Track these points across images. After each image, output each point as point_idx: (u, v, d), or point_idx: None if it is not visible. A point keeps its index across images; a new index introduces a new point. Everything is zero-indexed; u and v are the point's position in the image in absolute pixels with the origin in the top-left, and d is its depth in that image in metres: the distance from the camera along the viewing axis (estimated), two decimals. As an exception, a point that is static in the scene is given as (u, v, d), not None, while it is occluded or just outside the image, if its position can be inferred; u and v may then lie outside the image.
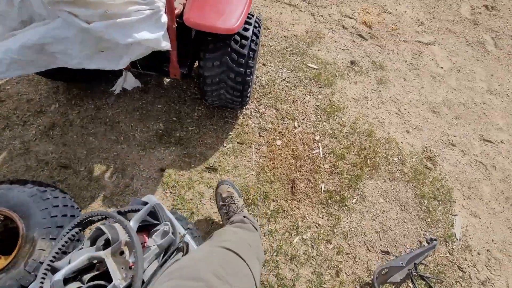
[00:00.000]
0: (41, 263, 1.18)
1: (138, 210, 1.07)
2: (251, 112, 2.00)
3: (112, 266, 0.90)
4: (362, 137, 2.00)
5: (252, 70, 1.58)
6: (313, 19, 2.70)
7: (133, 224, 1.00)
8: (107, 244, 1.02)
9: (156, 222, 1.07)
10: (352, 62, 2.43)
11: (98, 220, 1.03)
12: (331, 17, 2.74)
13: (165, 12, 1.27)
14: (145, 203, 1.11)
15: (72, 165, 1.67)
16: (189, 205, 1.62)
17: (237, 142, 1.86)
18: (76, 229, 1.00)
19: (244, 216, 1.29)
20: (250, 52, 1.50)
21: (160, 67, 1.56)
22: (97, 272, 0.95)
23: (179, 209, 1.61)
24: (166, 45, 1.30)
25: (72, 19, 1.09)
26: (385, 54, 2.57)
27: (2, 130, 1.74)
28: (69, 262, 0.94)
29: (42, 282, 0.88)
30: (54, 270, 0.93)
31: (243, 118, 1.97)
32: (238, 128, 1.92)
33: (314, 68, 2.31)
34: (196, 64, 1.69)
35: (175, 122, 1.89)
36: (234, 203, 1.44)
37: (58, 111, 1.84)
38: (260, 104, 2.04)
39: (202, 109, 1.96)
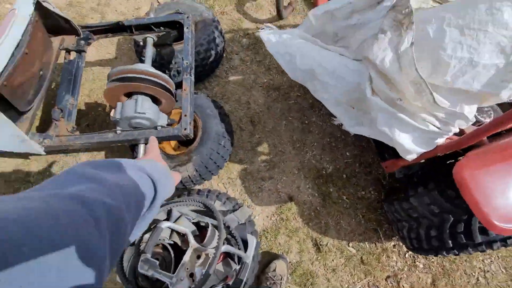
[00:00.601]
0: (182, 176, 1.50)
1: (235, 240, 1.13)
2: (405, 253, 1.58)
3: (186, 259, 1.02)
4: None
5: (459, 253, 1.15)
6: None
7: (223, 249, 1.07)
8: (201, 228, 1.16)
9: (234, 263, 1.12)
10: None
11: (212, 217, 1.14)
12: None
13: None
14: (246, 241, 1.15)
15: (256, 127, 1.89)
16: (273, 245, 1.61)
17: (361, 257, 1.57)
18: (201, 205, 1.16)
19: None
20: (480, 247, 1.07)
21: (382, 149, 1.36)
22: (179, 243, 1.11)
23: (266, 237, 1.63)
24: (410, 157, 1.07)
25: (366, 80, 1.02)
26: None
27: (255, 63, 2.09)
28: (177, 218, 1.14)
29: (158, 213, 1.12)
30: (169, 212, 1.15)
31: (393, 247, 1.59)
32: (376, 245, 1.59)
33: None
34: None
35: (341, 179, 1.74)
36: (280, 286, 1.41)
37: (292, 80, 2.01)
38: (421, 261, 1.56)
39: (372, 196, 1.69)
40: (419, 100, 0.90)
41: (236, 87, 2.01)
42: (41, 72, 1.31)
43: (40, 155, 1.36)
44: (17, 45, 1.07)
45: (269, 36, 1.34)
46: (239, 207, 1.40)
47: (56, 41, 1.50)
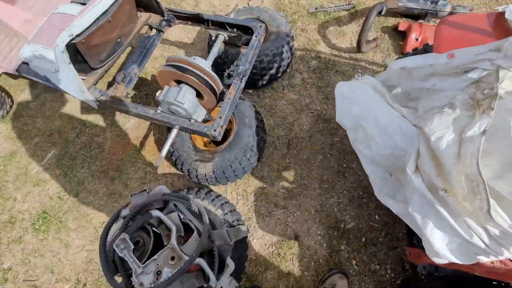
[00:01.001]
0: (198, 172, 1.52)
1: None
2: None
3: (160, 255, 1.02)
4: None
5: None
6: None
7: (196, 261, 1.04)
8: (190, 230, 1.14)
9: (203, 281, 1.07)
10: None
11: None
12: None
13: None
14: (224, 264, 1.10)
15: (290, 151, 1.81)
16: (259, 277, 1.51)
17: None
18: (195, 207, 1.14)
19: None
20: None
21: (412, 232, 1.15)
22: (163, 236, 1.11)
23: (255, 265, 1.54)
24: (438, 261, 0.87)
25: (413, 152, 0.86)
26: None
27: (315, 87, 2.01)
28: (171, 212, 1.14)
29: (159, 203, 1.13)
30: (166, 202, 1.16)
31: None
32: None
33: None
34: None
35: (358, 241, 1.54)
36: None
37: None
38: None
39: (387, 274, 1.46)
40: (470, 201, 0.72)
41: (286, 105, 1.95)
42: (118, 40, 1.47)
43: (93, 108, 1.52)
44: (104, 13, 1.21)
45: (345, 84, 1.27)
46: (238, 225, 1.34)
47: (143, 16, 1.66)
